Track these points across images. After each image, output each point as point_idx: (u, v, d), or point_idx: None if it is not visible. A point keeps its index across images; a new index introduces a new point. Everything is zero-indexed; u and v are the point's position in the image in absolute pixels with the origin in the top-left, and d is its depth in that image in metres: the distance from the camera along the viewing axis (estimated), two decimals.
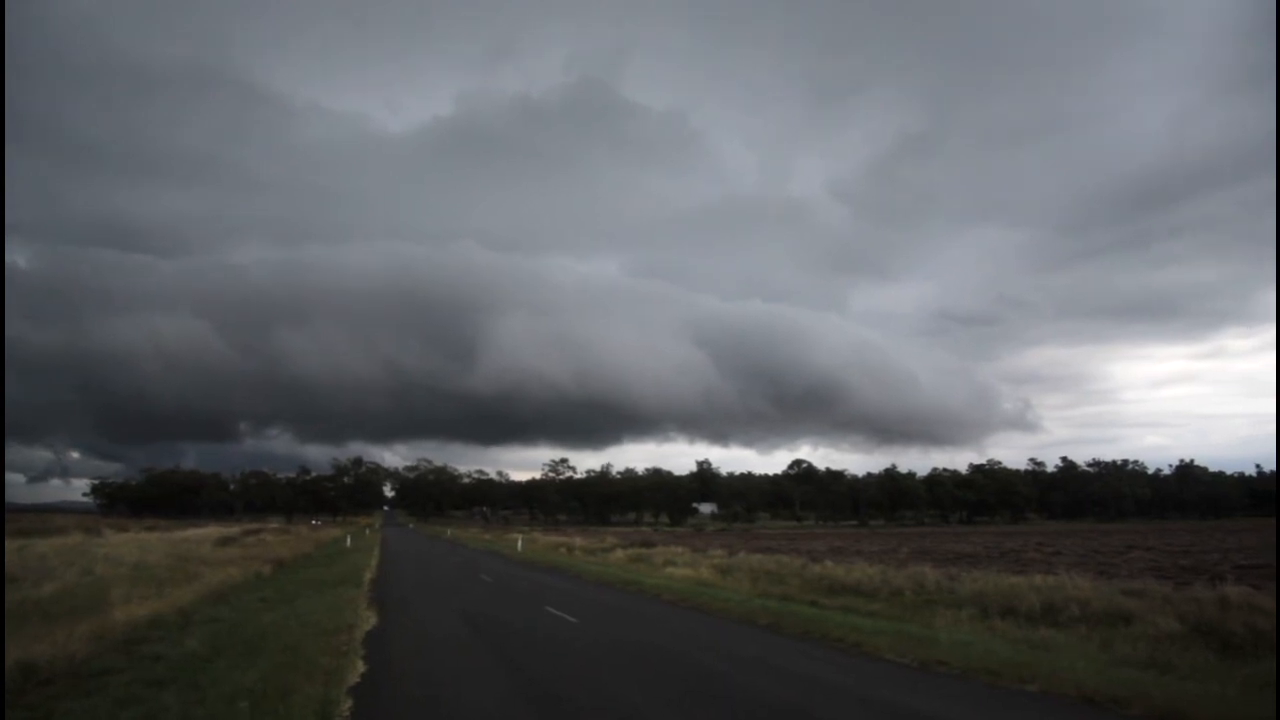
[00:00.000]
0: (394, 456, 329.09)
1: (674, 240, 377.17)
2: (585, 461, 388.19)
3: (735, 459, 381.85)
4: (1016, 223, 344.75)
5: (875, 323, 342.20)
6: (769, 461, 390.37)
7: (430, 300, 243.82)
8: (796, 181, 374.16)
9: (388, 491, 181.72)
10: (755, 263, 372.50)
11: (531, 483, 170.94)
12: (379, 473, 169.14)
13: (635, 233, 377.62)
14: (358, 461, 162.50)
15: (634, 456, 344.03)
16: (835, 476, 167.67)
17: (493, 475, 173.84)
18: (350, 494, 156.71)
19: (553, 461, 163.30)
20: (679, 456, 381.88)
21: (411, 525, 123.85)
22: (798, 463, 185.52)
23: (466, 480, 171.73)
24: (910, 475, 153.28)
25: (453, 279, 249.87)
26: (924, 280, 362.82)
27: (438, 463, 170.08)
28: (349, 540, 47.47)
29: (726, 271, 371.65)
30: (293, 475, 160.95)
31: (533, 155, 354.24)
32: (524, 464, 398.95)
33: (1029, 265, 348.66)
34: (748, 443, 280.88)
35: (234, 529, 56.58)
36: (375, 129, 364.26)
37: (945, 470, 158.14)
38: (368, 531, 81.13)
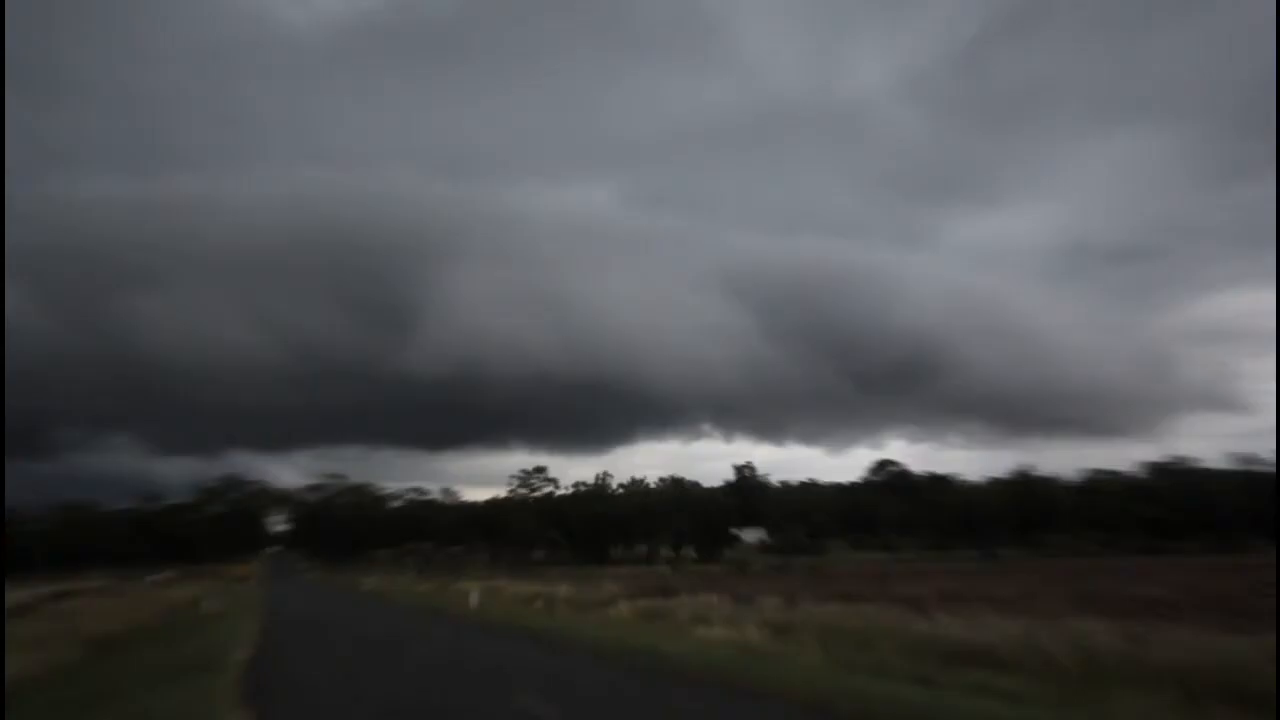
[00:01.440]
0: (292, 472, 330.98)
1: (690, 159, 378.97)
2: (577, 470, 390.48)
3: (793, 462, 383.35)
4: (1173, 119, 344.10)
5: (981, 262, 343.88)
6: (842, 464, 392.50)
7: (350, 247, 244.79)
8: (855, 78, 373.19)
9: (278, 525, 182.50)
10: (804, 187, 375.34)
11: (493, 505, 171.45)
12: (265, 497, 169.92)
13: (637, 150, 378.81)
14: (232, 482, 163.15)
15: (650, 461, 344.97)
16: (941, 484, 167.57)
17: (435, 494, 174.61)
18: (220, 530, 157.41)
19: (523, 473, 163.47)
20: (712, 460, 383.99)
21: (312, 574, 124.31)
22: (884, 465, 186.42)
23: (398, 503, 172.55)
24: (1055, 481, 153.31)
25: (382, 218, 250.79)
26: (1046, 203, 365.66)
27: (354, 479, 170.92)
28: (211, 602, 47.36)
29: (765, 199, 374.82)
30: (132, 506, 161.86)
31: (493, 49, 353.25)
32: (489, 476, 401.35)
33: (1198, 175, 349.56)
34: (810, 437, 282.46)
35: (31, 591, 56.66)
36: (275, 19, 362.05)
37: (1108, 472, 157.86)
38: (244, 587, 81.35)
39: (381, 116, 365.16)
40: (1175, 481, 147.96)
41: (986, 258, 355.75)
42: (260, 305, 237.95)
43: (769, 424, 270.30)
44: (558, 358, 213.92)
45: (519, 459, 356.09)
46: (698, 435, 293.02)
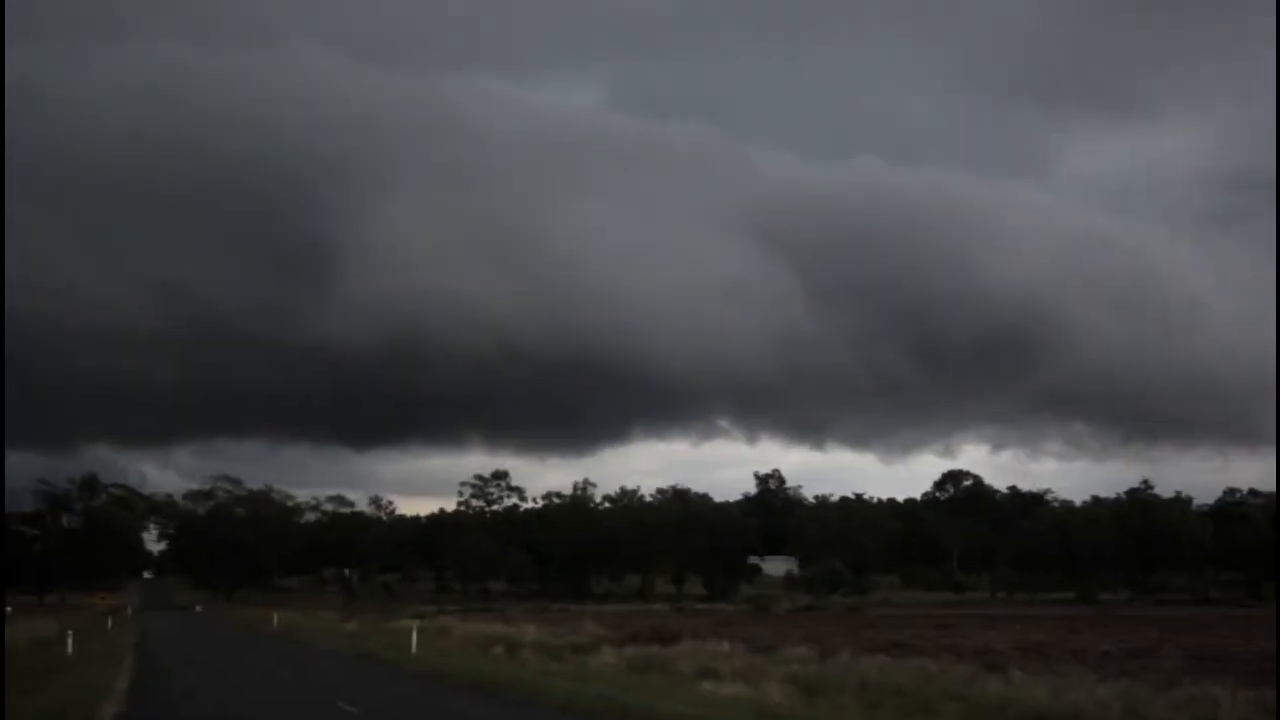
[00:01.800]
0: (169, 476, 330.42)
1: (707, 46, 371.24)
2: (551, 478, 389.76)
3: (836, 471, 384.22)
4: None
5: (1108, 200, 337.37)
6: (901, 475, 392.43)
7: (238, 164, 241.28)
8: None
9: (153, 542, 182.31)
10: (865, 87, 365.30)
11: (439, 520, 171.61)
12: (135, 506, 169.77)
13: (634, 32, 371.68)
14: (91, 486, 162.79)
15: (647, 465, 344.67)
16: (1028, 505, 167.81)
17: (363, 506, 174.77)
18: (77, 547, 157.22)
19: (479, 480, 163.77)
20: (729, 466, 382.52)
21: (200, 607, 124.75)
22: (952, 477, 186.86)
23: (314, 516, 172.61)
24: (1181, 504, 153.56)
25: (284, 121, 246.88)
26: (1202, 118, 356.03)
27: (253, 483, 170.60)
28: (69, 645, 47.59)
29: (810, 105, 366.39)
30: None
31: None
32: (433, 483, 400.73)
33: None
34: (860, 439, 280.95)
35: None
36: None
37: (1256, 494, 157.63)
38: (110, 623, 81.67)
39: None
40: None
41: (1116, 193, 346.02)
42: (117, 243, 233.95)
43: (806, 420, 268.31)
44: (527, 325, 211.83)
45: (474, 461, 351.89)
46: (712, 434, 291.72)
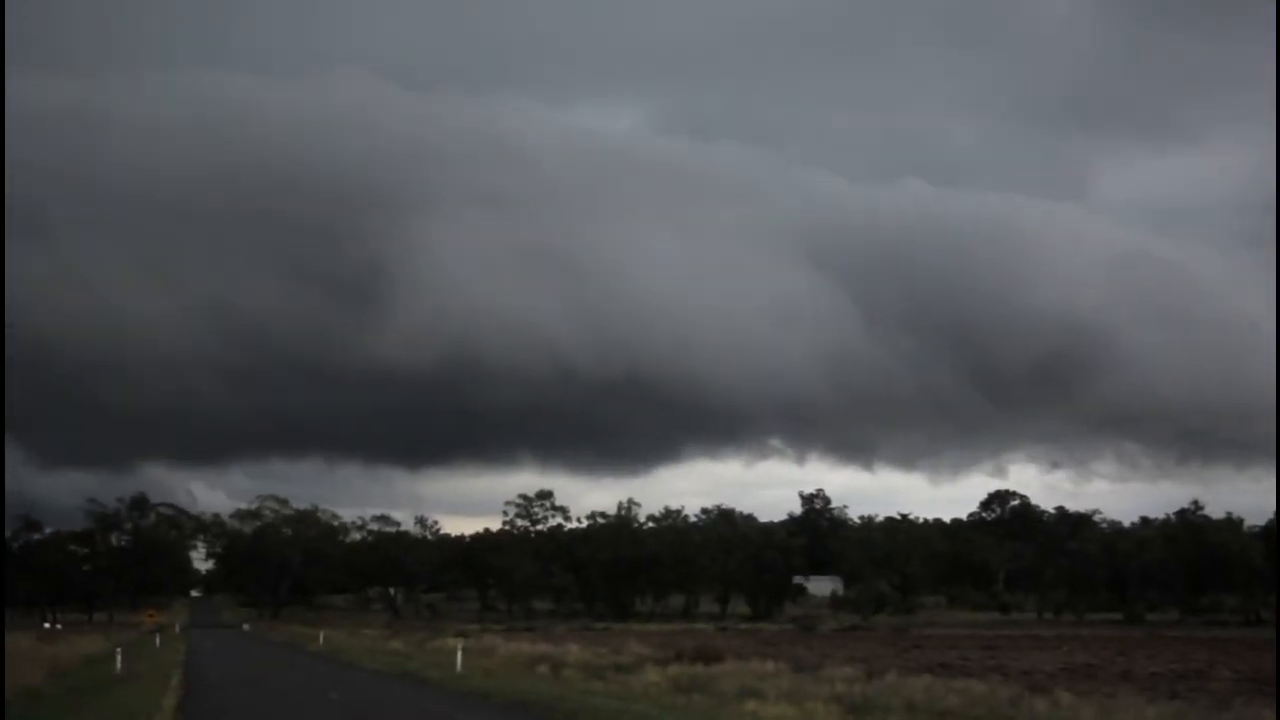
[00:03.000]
0: (220, 494, 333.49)
1: (752, 70, 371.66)
2: (602, 497, 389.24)
3: (885, 491, 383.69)
4: None
5: (1158, 221, 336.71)
6: (951, 496, 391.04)
7: (290, 190, 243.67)
8: None
9: (200, 561, 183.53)
10: (907, 110, 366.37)
11: (482, 540, 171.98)
12: (183, 525, 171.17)
13: (674, 59, 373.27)
14: (141, 505, 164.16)
15: (699, 486, 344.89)
16: (1077, 525, 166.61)
17: (408, 525, 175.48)
18: (126, 566, 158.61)
19: (523, 500, 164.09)
20: (777, 486, 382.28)
21: (247, 625, 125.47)
22: (999, 498, 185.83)
23: (360, 536, 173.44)
24: (1230, 522, 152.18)
25: (336, 146, 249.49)
26: (1251, 141, 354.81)
27: (301, 502, 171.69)
28: (117, 662, 47.97)
29: (858, 128, 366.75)
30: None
31: None
32: (482, 503, 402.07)
33: None
34: (908, 460, 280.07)
35: None
36: None
37: None
38: (158, 640, 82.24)
39: (323, 4, 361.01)
40: None
41: (1166, 214, 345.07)
42: (173, 268, 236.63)
43: (855, 441, 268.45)
44: (579, 345, 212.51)
45: (525, 480, 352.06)
46: (764, 453, 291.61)
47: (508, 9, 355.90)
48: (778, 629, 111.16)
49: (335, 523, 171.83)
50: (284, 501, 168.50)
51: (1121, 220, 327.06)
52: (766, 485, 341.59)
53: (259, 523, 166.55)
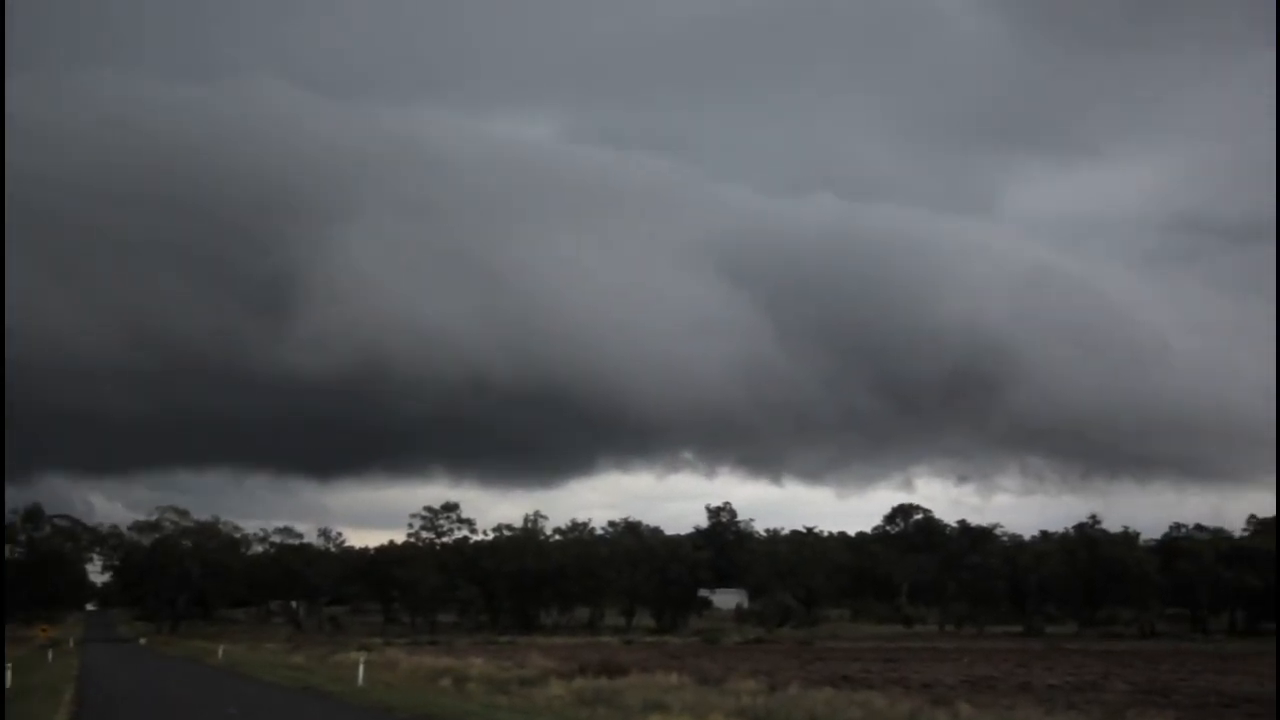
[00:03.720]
0: (116, 507, 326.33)
1: (662, 82, 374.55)
2: (512, 509, 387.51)
3: (790, 504, 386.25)
4: None
5: (1061, 237, 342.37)
6: (855, 509, 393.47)
7: (198, 192, 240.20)
8: None
9: (97, 574, 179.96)
10: (818, 126, 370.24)
11: (387, 552, 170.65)
12: (79, 537, 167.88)
13: (588, 68, 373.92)
14: (35, 517, 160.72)
15: (610, 498, 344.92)
16: (978, 538, 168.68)
17: (311, 537, 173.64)
18: (18, 580, 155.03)
19: (428, 512, 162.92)
20: (687, 500, 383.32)
21: (144, 639, 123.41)
22: (904, 511, 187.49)
23: (262, 548, 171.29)
24: (1126, 536, 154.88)
25: (251, 153, 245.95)
26: (1149, 157, 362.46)
27: (204, 514, 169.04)
28: (8, 678, 46.94)
29: (766, 143, 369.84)
30: None
31: None
32: (394, 515, 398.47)
33: None
34: (815, 474, 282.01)
35: None
36: None
37: (1203, 529, 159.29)
38: (50, 655, 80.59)
39: (242, 10, 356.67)
40: None
41: (1073, 230, 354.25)
42: (79, 274, 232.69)
43: (765, 454, 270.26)
44: (494, 357, 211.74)
45: (437, 492, 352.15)
46: (676, 467, 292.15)
47: (424, 18, 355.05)
48: (683, 642, 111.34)
49: (237, 535, 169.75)
50: (184, 513, 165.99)
51: (1029, 236, 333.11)
52: (677, 498, 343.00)
53: (158, 535, 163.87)
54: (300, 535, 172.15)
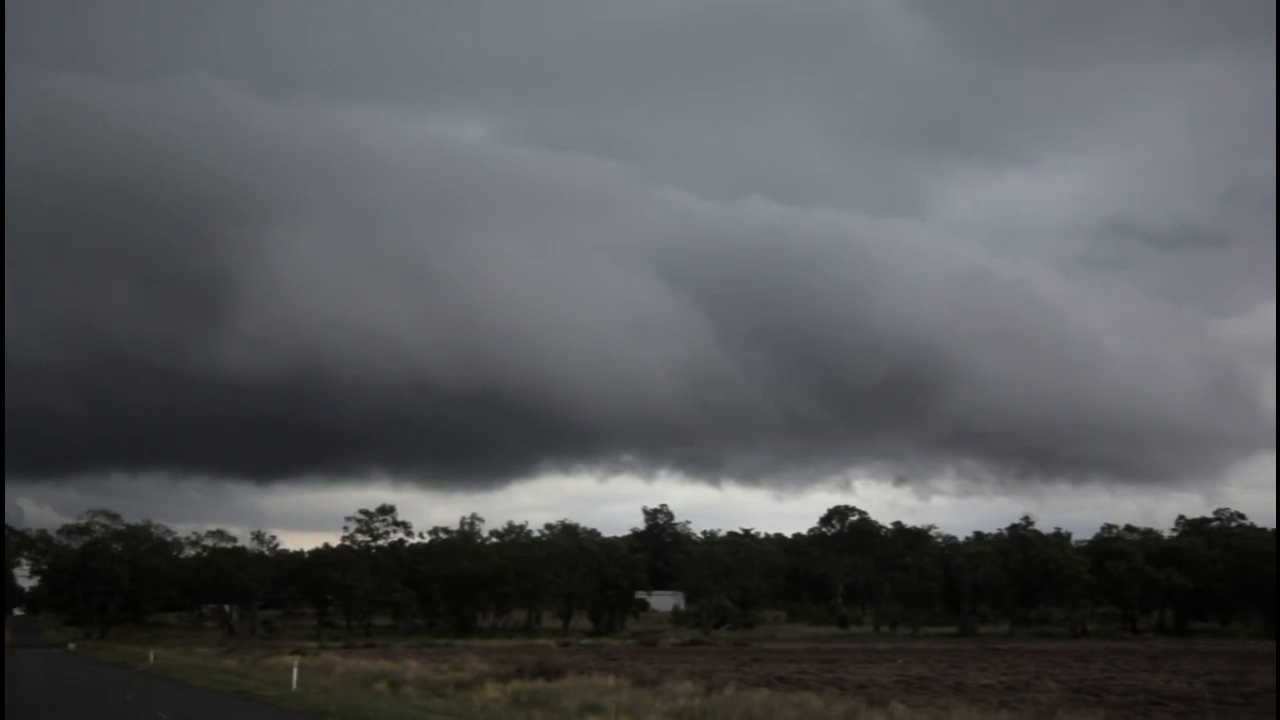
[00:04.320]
0: (46, 512, 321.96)
1: (599, 85, 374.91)
2: (446, 512, 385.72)
3: (729, 506, 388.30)
4: (1270, 45, 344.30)
5: (994, 242, 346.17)
6: (793, 511, 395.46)
7: (141, 195, 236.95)
8: None
9: (24, 578, 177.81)
10: (755, 129, 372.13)
11: (322, 555, 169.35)
12: (7, 542, 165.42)
13: (524, 70, 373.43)
14: None
15: (550, 501, 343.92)
16: (914, 540, 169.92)
17: (245, 541, 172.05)
18: None
19: (364, 515, 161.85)
20: (626, 502, 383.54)
21: (73, 644, 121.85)
22: (840, 513, 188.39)
23: (194, 552, 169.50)
24: (1058, 537, 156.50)
25: (185, 153, 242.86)
26: (1082, 164, 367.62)
27: (136, 519, 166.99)
28: None
29: (703, 144, 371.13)
30: None
31: None
32: (333, 518, 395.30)
33: None
34: (754, 476, 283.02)
35: None
36: None
37: (1133, 530, 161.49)
38: None
39: (179, 9, 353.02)
40: (1216, 545, 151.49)
41: (1005, 235, 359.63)
42: (12, 276, 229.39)
43: (705, 457, 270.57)
44: (435, 358, 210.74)
45: (377, 494, 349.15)
46: (617, 469, 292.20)
47: (362, 19, 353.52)
48: (620, 644, 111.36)
49: (169, 538, 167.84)
50: (115, 516, 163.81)
51: (962, 240, 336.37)
52: (617, 500, 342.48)
53: (88, 538, 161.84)
54: (234, 539, 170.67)
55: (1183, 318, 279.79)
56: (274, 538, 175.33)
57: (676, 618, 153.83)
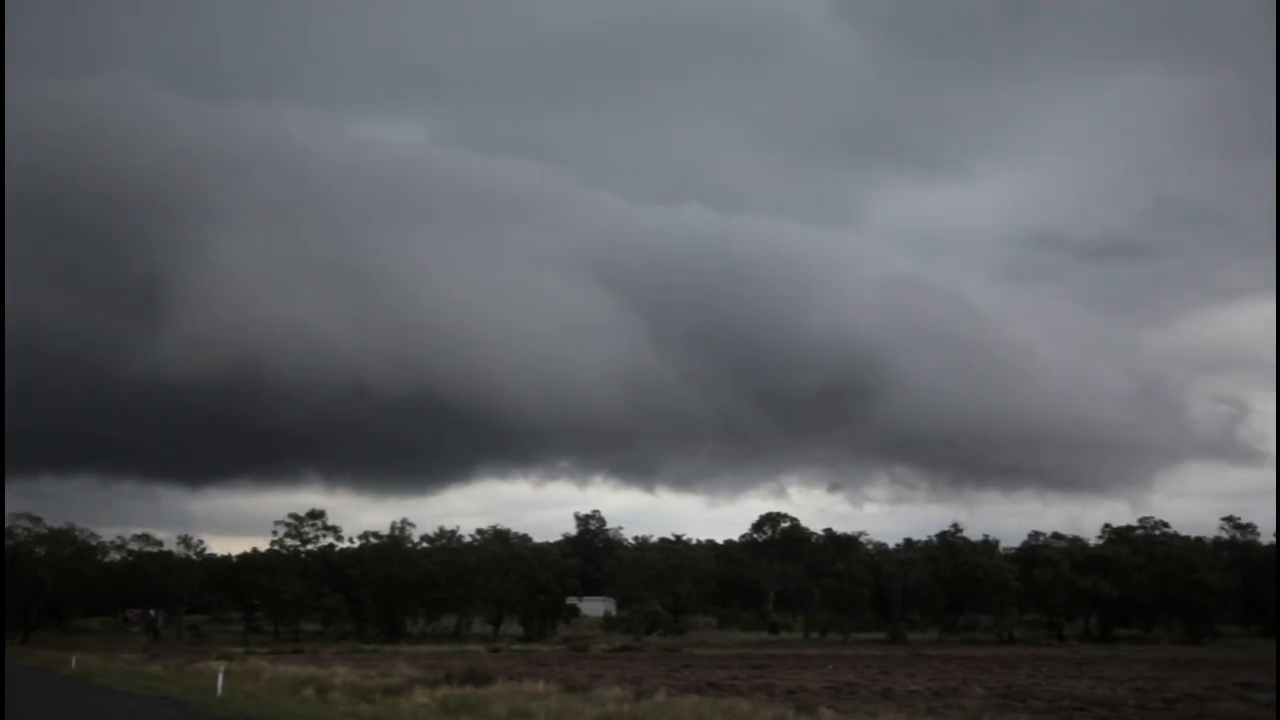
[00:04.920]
0: None
1: (531, 88, 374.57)
2: (381, 517, 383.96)
3: (662, 512, 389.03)
4: (1197, 62, 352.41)
5: (924, 251, 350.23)
6: (727, 518, 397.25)
7: (68, 193, 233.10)
8: None
9: None
10: (689, 136, 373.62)
11: (250, 560, 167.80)
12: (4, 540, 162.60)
13: (456, 73, 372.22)
14: None
15: (486, 505, 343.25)
16: (844, 546, 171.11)
17: (171, 545, 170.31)
18: None
19: (293, 519, 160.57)
20: (560, 507, 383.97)
21: None
22: (771, 519, 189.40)
23: (120, 555, 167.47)
24: (986, 544, 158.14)
25: (115, 152, 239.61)
26: (1011, 174, 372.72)
27: (62, 521, 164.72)
28: None
29: (637, 150, 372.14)
30: None
31: None
32: (267, 523, 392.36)
33: (1222, 146, 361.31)
34: (688, 482, 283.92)
35: None
36: None
37: (1058, 538, 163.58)
38: None
39: (103, 7, 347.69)
40: (1141, 553, 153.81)
41: (936, 244, 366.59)
42: None
43: (641, 462, 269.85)
44: (371, 362, 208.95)
45: (311, 499, 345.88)
46: (554, 475, 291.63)
47: (290, 20, 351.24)
48: (550, 649, 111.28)
49: (94, 542, 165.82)
50: (38, 520, 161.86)
51: (895, 249, 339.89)
52: (552, 506, 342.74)
53: (10, 542, 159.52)
54: (160, 543, 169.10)
55: (1110, 328, 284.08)
56: (201, 542, 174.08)
57: (608, 623, 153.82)
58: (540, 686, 38.48)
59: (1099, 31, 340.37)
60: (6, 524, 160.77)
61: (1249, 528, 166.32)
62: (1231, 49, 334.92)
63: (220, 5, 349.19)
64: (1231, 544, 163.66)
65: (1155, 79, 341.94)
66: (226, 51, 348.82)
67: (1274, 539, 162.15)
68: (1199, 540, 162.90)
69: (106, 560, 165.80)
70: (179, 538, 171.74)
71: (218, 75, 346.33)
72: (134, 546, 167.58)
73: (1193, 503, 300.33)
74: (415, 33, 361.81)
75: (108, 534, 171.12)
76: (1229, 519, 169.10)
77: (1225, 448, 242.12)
